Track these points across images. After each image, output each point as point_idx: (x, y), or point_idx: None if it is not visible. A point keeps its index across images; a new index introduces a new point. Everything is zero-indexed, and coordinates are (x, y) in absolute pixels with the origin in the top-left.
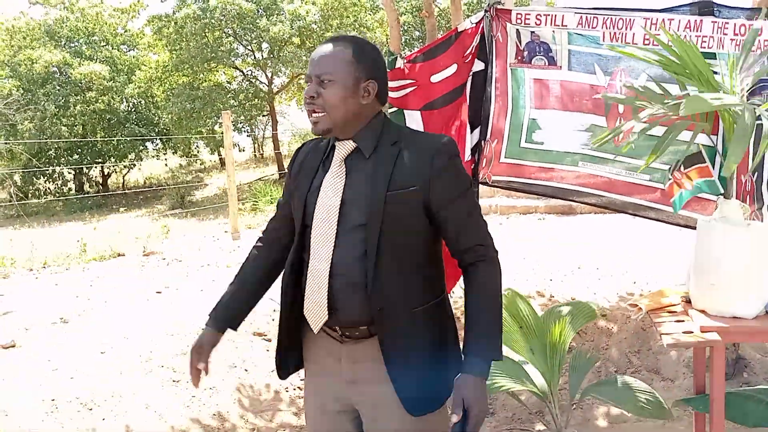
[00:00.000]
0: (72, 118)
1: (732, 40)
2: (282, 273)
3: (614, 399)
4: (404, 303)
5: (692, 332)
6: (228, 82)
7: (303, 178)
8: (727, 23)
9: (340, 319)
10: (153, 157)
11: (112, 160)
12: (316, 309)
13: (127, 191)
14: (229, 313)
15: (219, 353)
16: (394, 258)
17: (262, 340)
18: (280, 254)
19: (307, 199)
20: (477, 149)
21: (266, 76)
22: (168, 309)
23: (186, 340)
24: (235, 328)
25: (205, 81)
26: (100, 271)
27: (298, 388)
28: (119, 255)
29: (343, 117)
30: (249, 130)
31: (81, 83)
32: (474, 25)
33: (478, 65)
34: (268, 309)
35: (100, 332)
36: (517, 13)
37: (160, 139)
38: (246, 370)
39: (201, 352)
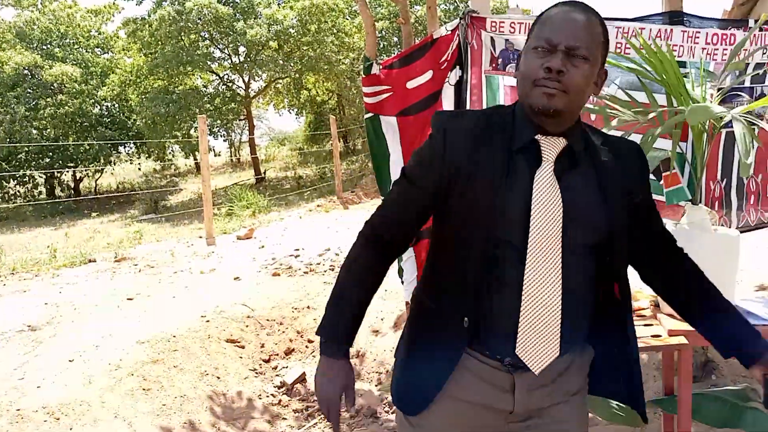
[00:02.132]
0: (43, 121)
1: (703, 49)
2: (437, 287)
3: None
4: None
5: (660, 336)
6: (204, 86)
7: (483, 171)
8: (698, 32)
9: (560, 355)
10: (126, 161)
11: (85, 164)
12: (541, 346)
13: (99, 196)
14: (355, 330)
15: (190, 360)
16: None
17: (236, 348)
18: (396, 255)
19: (506, 204)
20: None
21: (243, 80)
22: (139, 316)
23: (157, 347)
24: None
25: (181, 85)
26: (70, 277)
27: (272, 395)
28: (90, 261)
29: (578, 104)
30: (225, 135)
31: (52, 86)
32: (449, 32)
33: (459, 72)
34: (241, 315)
35: (69, 340)
36: (492, 21)
37: (133, 143)
38: (218, 378)
39: (348, 393)
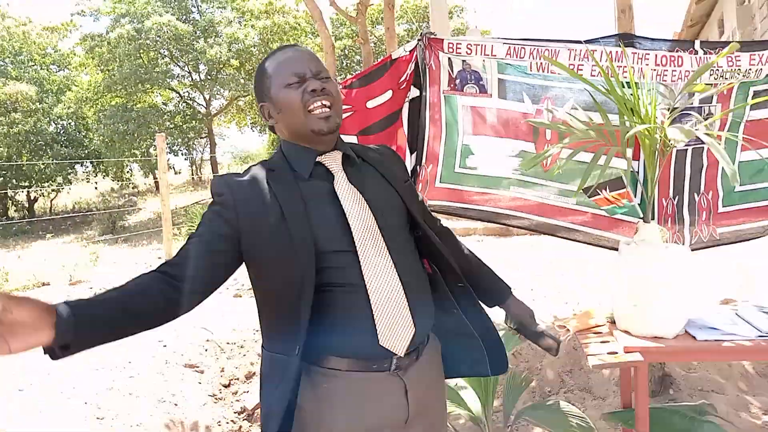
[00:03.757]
0: None
1: (653, 70)
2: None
3: (547, 422)
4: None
5: (617, 353)
6: (164, 104)
7: (287, 207)
8: (648, 54)
9: (418, 332)
10: (83, 180)
11: (39, 183)
12: (397, 327)
13: (54, 216)
14: (87, 319)
15: (146, 386)
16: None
17: (194, 372)
18: (176, 300)
19: (327, 223)
20: (413, 174)
21: (204, 98)
22: None
23: (111, 374)
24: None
25: (140, 102)
26: None
27: (232, 421)
28: (44, 284)
29: (341, 116)
30: (186, 153)
31: (6, 104)
32: (408, 53)
33: (415, 92)
34: (200, 339)
35: (19, 368)
36: (449, 43)
37: (90, 162)
38: (176, 405)
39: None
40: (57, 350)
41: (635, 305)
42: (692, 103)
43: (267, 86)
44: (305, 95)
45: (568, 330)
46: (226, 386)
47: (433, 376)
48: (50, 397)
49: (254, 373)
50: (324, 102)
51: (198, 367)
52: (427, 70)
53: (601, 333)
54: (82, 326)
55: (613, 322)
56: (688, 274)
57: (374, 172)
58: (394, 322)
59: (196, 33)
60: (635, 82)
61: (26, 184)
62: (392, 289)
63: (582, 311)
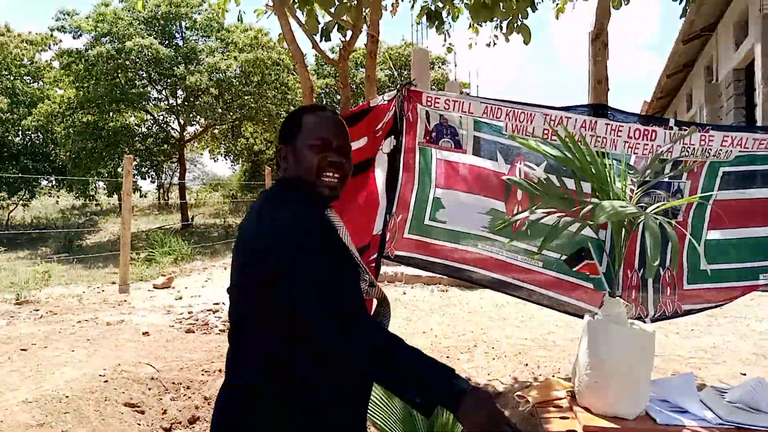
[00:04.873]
0: None
1: (625, 142)
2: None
3: None
4: None
5: None
6: (137, 125)
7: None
8: (621, 126)
9: None
10: (45, 194)
11: (0, 195)
12: None
13: (10, 231)
14: None
15: (81, 425)
16: None
17: (134, 412)
18: None
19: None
20: (384, 223)
21: (179, 122)
22: (30, 371)
23: (45, 408)
24: None
25: (112, 121)
26: None
27: None
28: None
29: (344, 187)
30: (155, 176)
31: None
32: (386, 102)
33: (393, 141)
34: (144, 376)
35: None
36: (428, 96)
37: (55, 177)
38: None
39: None
40: None
41: (596, 382)
42: (662, 179)
43: (294, 134)
44: (322, 162)
45: (527, 401)
46: (166, 430)
47: None
48: None
49: (198, 418)
50: (336, 175)
51: (139, 406)
52: (404, 120)
53: (561, 407)
54: None
55: (573, 397)
56: (651, 354)
57: None
58: None
59: (177, 58)
60: (604, 153)
61: None
62: None
63: (544, 381)
